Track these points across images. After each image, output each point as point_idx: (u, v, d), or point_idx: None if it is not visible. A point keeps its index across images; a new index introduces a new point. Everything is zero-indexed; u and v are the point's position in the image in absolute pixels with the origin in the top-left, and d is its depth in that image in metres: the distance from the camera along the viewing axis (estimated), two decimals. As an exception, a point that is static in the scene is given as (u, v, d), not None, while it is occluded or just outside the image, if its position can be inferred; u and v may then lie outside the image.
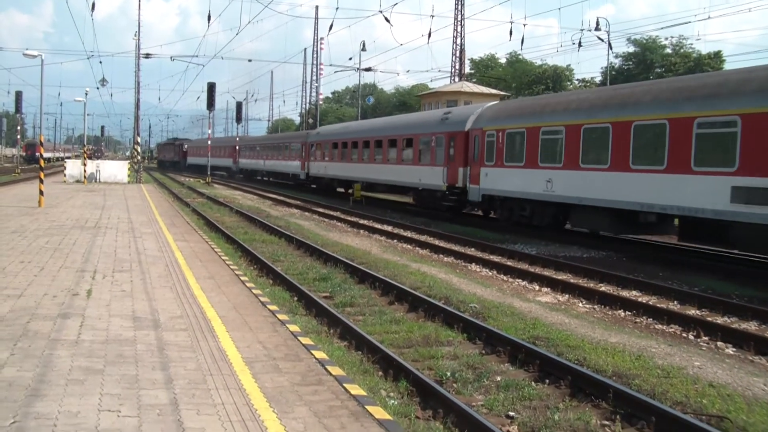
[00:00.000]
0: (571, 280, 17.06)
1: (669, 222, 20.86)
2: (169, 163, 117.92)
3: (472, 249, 22.58)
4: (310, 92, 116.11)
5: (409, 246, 23.53)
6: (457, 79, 78.37)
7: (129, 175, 52.27)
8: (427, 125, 33.64)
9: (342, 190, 47.53)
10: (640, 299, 15.09)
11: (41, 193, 28.26)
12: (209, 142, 69.64)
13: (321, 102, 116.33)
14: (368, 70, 70.48)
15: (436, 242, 23.93)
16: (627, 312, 14.15)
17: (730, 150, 16.63)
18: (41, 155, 30.38)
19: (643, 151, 19.45)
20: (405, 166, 35.04)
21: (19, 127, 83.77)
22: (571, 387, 9.04)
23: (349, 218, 31.65)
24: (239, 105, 73.97)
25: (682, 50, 71.22)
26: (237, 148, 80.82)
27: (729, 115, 16.78)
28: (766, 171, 15.82)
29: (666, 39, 72.88)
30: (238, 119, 73.99)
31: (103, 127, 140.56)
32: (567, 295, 15.70)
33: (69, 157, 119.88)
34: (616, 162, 20.41)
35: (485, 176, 27.42)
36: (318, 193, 49.23)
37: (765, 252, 17.29)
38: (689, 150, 17.76)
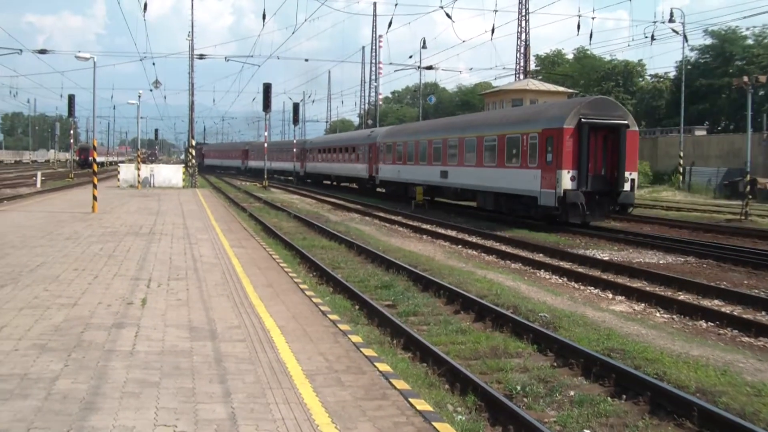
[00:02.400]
0: (647, 288, 16.70)
1: (434, 190, 40.74)
2: None
3: (541, 255, 22.29)
4: (369, 92, 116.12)
5: (474, 252, 23.36)
6: (522, 76, 77.49)
7: (184, 180, 52.99)
8: (361, 139, 56.53)
9: (328, 182, 67.92)
10: (723, 309, 14.68)
11: (95, 198, 28.84)
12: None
13: (380, 102, 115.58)
14: (429, 68, 70.41)
15: (503, 248, 23.69)
16: (709, 323, 13.77)
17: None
18: (94, 160, 31.08)
19: (421, 155, 41.29)
20: (351, 164, 57.47)
21: (72, 131, 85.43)
22: (651, 403, 8.80)
23: (411, 223, 31.67)
24: (296, 106, 73.83)
25: (765, 41, 69.44)
26: (248, 150, 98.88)
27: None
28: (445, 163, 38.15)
29: (747, 29, 71.23)
30: (295, 121, 73.94)
31: (156, 131, 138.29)
32: (643, 304, 15.36)
33: (122, 162, 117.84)
34: (416, 161, 42.28)
35: (380, 169, 49.25)
36: (374, 196, 50.44)
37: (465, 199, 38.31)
38: (424, 155, 40.86)
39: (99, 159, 42.71)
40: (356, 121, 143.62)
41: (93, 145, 31.59)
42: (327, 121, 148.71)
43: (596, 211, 27.84)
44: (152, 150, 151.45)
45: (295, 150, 76.65)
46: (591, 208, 27.31)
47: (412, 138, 43.75)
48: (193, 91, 58.66)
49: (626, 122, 28.01)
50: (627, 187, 27.74)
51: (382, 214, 35.78)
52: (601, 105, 28.43)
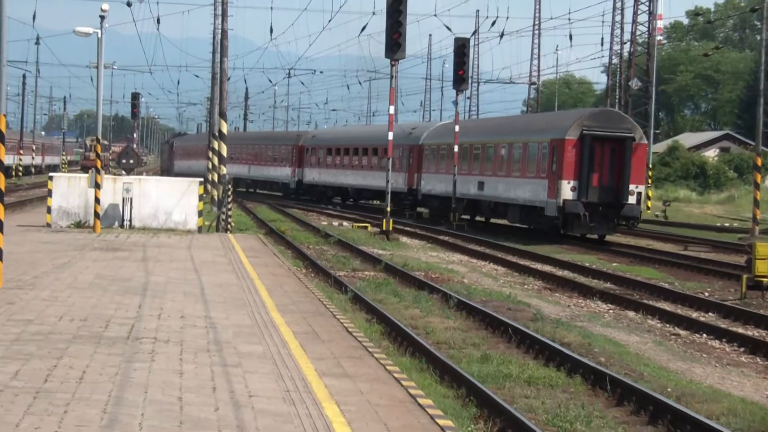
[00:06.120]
0: None
1: (505, 209, 36.17)
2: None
3: None
4: (634, 17, 59.18)
5: None
6: None
7: (202, 212, 27.81)
8: (398, 138, 43.36)
9: (338, 198, 54.10)
10: None
11: (-5, 255, 14.28)
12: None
13: (660, 38, 61.96)
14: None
15: None
16: None
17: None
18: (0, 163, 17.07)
19: (462, 162, 38.46)
20: (381, 173, 46.13)
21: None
22: None
23: (736, 329, 16.35)
24: (461, 46, 37.70)
25: None
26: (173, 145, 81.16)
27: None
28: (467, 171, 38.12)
29: None
30: (459, 80, 38.11)
31: (136, 96, 66.37)
32: None
33: (55, 167, 75.50)
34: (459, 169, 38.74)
35: (423, 180, 43.40)
36: (642, 259, 27.53)
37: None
38: (465, 161, 38.51)
39: (6, 159, 19.69)
40: (600, 79, 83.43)
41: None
42: (530, 83, 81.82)
43: (602, 224, 30.66)
44: (126, 143, 75.00)
45: (282, 148, 58.36)
46: (596, 219, 30.24)
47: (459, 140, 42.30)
48: (226, 10, 32.69)
49: (632, 135, 30.88)
50: (632, 200, 30.47)
51: (666, 306, 18.64)
52: (606, 117, 32.13)
